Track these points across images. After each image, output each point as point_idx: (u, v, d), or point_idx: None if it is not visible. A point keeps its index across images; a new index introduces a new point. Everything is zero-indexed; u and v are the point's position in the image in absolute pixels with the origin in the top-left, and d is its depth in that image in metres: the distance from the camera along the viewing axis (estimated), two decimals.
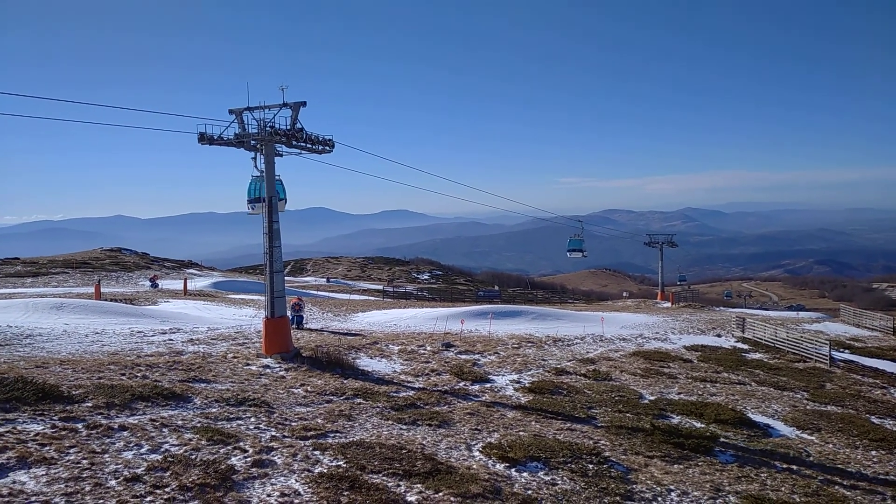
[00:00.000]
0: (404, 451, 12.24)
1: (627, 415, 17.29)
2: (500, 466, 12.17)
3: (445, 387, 19.43)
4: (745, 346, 32.61)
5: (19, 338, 21.89)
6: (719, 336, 36.01)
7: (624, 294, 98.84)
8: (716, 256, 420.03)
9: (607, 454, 13.53)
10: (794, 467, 14.07)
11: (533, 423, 15.82)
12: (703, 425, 16.78)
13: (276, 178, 22.72)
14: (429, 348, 25.99)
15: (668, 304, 60.84)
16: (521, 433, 14.63)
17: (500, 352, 26.14)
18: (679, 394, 20.78)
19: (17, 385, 12.90)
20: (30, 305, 30.75)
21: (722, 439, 15.62)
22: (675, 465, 13.33)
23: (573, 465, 12.46)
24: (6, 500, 8.07)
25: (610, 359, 26.49)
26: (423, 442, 13.31)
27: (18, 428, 10.86)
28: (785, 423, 18.03)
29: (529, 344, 28.75)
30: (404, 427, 14.45)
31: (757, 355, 30.20)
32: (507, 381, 20.85)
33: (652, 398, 19.82)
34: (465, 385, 19.91)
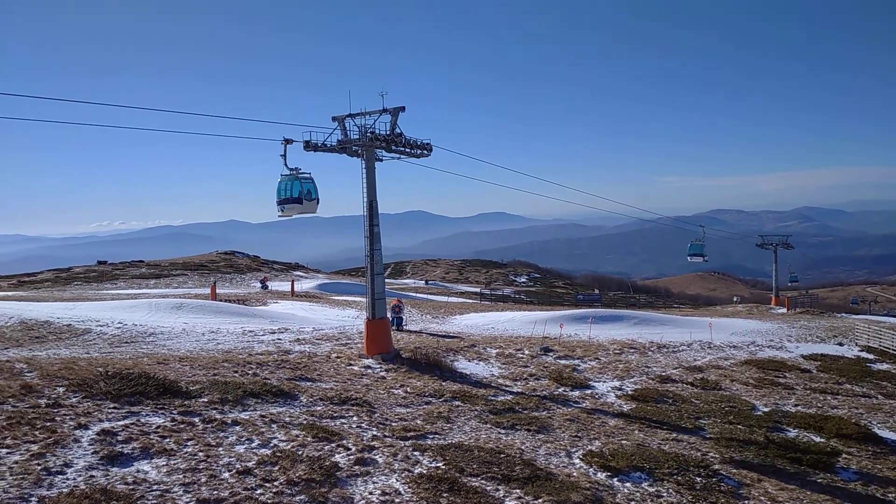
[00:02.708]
0: (503, 456, 12.17)
1: (739, 426, 16.41)
2: (601, 475, 11.87)
3: (544, 392, 19.19)
4: (871, 356, 30.22)
5: (143, 335, 23.60)
6: (841, 345, 33.57)
7: (735, 299, 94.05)
8: (836, 259, 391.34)
9: (717, 467, 12.89)
10: None
11: (636, 431, 15.33)
12: (822, 440, 15.67)
13: (308, 175, 21.91)
14: (527, 352, 25.77)
15: (784, 310, 57.35)
16: (623, 442, 14.21)
17: (600, 357, 25.54)
18: (796, 406, 19.52)
19: (140, 380, 13.88)
20: (153, 305, 33.11)
21: (844, 455, 14.52)
22: (792, 482, 12.51)
23: (679, 478, 11.95)
24: (131, 487, 8.68)
25: (719, 367, 25.28)
26: (522, 447, 13.19)
27: (142, 420, 11.67)
28: None
29: (632, 350, 27.92)
30: (503, 431, 14.38)
31: (884, 366, 27.91)
32: (609, 388, 20.33)
33: (766, 410, 18.73)
34: (564, 390, 19.59)
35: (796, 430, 16.56)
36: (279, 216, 22.05)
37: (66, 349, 19.75)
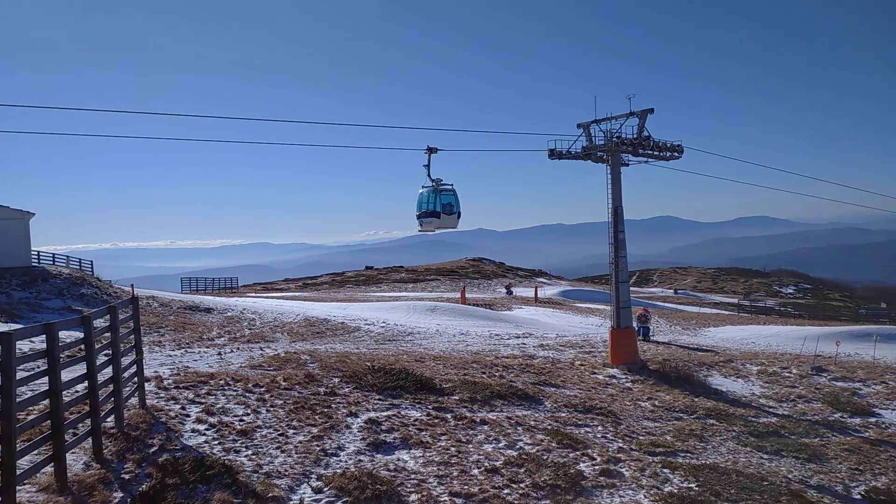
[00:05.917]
0: (766, 483, 11.06)
1: None
2: None
3: (816, 416, 17.04)
4: None
5: (403, 334, 25.77)
6: None
7: None
8: None
9: None
10: None
11: None
12: None
13: (449, 187, 19.78)
14: (795, 371, 23.09)
15: None
16: None
17: (889, 381, 21.94)
18: None
19: (401, 375, 15.18)
20: (410, 307, 36.10)
21: None
22: None
23: None
24: (392, 474, 9.50)
25: None
26: (789, 476, 11.85)
27: (402, 413, 12.72)
28: None
29: None
30: (765, 456, 13.07)
31: None
32: None
33: None
34: (841, 416, 17.19)
35: None
36: (419, 231, 20.41)
37: (340, 344, 22.33)
